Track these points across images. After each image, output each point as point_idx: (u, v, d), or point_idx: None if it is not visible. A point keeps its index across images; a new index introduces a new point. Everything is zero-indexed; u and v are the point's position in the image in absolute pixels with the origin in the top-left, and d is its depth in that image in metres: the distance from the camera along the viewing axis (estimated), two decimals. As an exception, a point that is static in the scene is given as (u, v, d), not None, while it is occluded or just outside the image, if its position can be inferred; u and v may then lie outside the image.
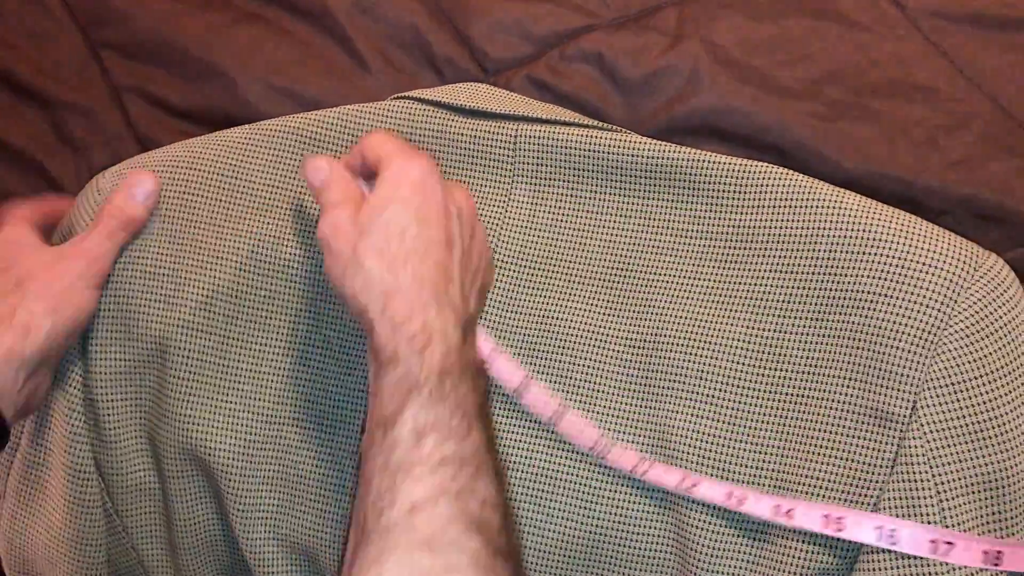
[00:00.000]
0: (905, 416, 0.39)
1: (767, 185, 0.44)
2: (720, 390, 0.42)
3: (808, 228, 0.42)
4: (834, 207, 0.42)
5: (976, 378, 0.39)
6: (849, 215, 0.42)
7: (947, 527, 0.38)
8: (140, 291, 0.47)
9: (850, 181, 0.52)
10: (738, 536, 0.41)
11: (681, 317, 0.44)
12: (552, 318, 0.45)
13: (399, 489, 0.33)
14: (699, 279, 0.44)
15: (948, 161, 0.52)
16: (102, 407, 0.47)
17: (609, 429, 0.44)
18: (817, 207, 0.43)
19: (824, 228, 0.42)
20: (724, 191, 0.44)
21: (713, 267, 0.44)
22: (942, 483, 0.38)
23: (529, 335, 0.45)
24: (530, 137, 0.47)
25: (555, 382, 0.45)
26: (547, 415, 0.44)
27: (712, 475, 0.42)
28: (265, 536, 0.47)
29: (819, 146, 0.53)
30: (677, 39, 0.57)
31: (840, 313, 0.41)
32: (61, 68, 0.62)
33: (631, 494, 0.43)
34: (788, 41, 0.56)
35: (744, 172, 0.44)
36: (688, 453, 0.42)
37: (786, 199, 0.43)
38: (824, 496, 0.40)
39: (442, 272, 0.38)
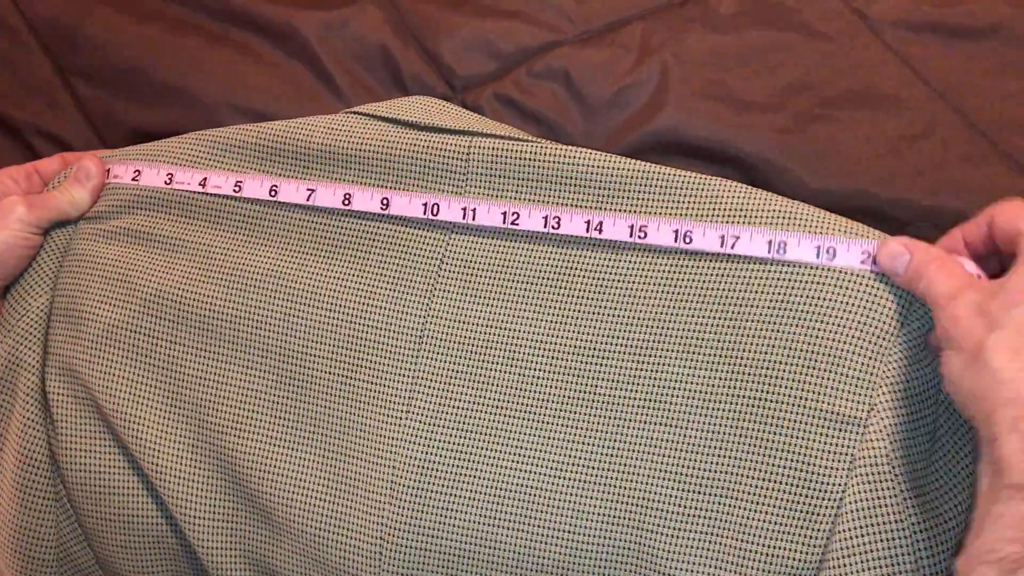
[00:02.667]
0: (862, 418, 0.39)
1: (721, 197, 0.44)
2: (672, 395, 0.43)
3: None
4: (789, 216, 0.43)
5: (930, 378, 0.39)
6: (804, 224, 0.42)
7: (912, 527, 0.38)
8: (89, 289, 0.50)
9: (816, 194, 0.52)
10: (697, 538, 0.41)
11: (630, 321, 0.44)
12: (499, 327, 0.45)
13: None
14: (649, 282, 0.44)
15: (912, 171, 0.52)
16: (52, 400, 0.49)
17: (560, 439, 0.44)
18: (772, 218, 0.43)
19: None
20: (676, 202, 0.45)
21: (664, 269, 0.44)
22: (903, 482, 0.38)
23: (477, 344, 0.46)
24: (482, 149, 0.47)
25: (503, 392, 0.45)
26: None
27: (666, 483, 0.42)
28: (217, 545, 0.47)
29: (784, 160, 0.53)
30: (643, 54, 0.57)
31: (795, 318, 0.41)
32: (31, 94, 0.62)
33: (585, 501, 0.43)
34: (753, 54, 0.57)
35: (697, 184, 0.44)
36: (641, 460, 0.42)
37: (740, 209, 0.44)
38: (784, 499, 0.40)
39: None
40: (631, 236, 0.44)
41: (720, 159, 0.54)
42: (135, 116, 0.60)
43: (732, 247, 0.42)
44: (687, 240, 0.43)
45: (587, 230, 0.45)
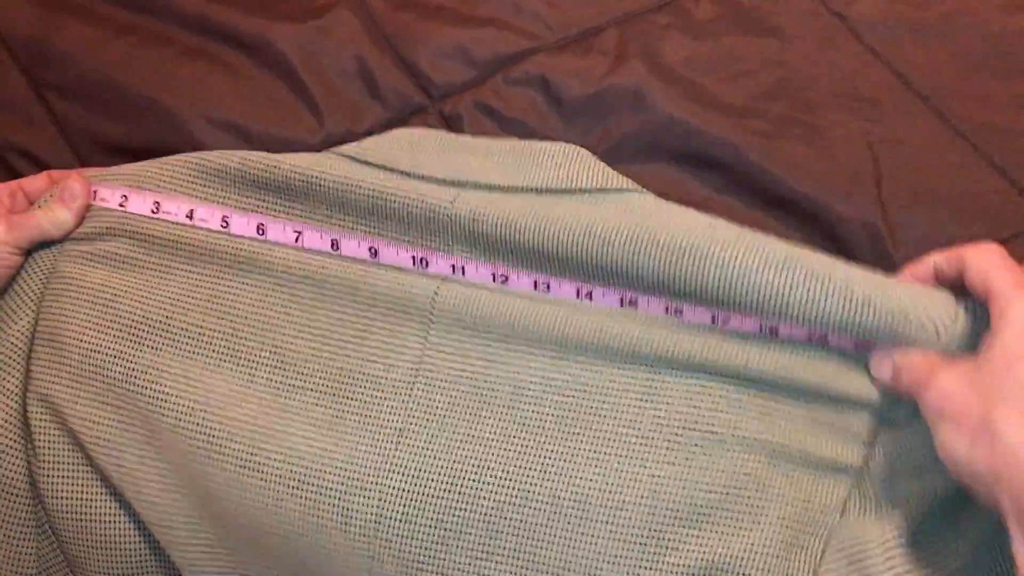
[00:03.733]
0: (855, 467, 0.40)
1: (710, 270, 0.42)
2: (675, 433, 0.42)
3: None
4: (777, 294, 0.40)
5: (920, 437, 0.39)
6: (798, 303, 0.40)
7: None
8: (74, 314, 0.49)
9: (795, 199, 0.51)
10: None
11: (631, 364, 0.43)
12: (500, 361, 0.45)
13: None
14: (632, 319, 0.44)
15: (893, 176, 0.52)
16: (33, 426, 0.48)
17: (558, 474, 0.43)
18: (760, 292, 0.40)
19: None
20: (667, 270, 0.44)
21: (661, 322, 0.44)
22: (889, 531, 0.38)
23: (477, 377, 0.45)
24: (466, 205, 0.46)
25: (501, 426, 0.44)
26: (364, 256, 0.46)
27: (668, 520, 0.41)
28: (204, 572, 0.47)
29: (764, 164, 0.52)
30: (620, 59, 0.57)
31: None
32: (6, 110, 0.61)
33: (582, 537, 0.42)
34: (731, 58, 0.56)
35: (687, 253, 0.43)
36: (641, 498, 0.42)
37: (728, 283, 0.41)
38: (781, 530, 0.40)
39: None
40: (622, 306, 0.44)
41: (700, 164, 0.54)
42: (110, 130, 0.59)
43: (724, 323, 0.42)
44: (678, 314, 0.43)
45: (577, 296, 0.45)
